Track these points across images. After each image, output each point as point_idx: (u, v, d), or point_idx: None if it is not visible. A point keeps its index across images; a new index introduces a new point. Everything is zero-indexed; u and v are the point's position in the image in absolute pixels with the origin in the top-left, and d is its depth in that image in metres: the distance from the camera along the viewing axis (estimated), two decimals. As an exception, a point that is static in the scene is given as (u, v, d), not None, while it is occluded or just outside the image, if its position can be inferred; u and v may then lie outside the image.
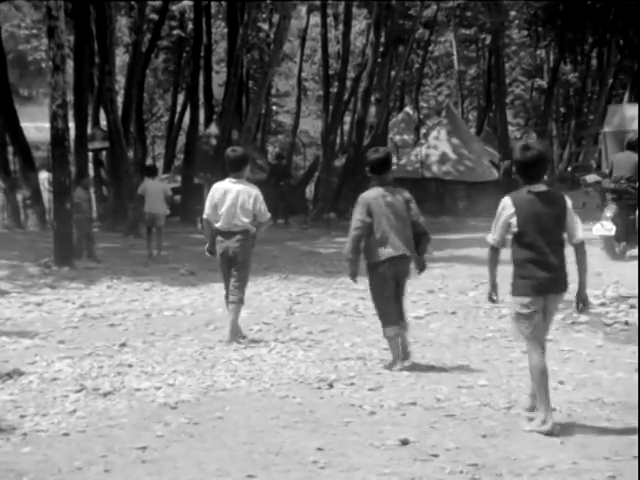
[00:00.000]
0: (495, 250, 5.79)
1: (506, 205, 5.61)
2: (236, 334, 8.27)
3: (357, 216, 7.12)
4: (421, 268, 7.34)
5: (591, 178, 23.95)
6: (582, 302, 5.83)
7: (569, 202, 5.70)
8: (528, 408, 5.82)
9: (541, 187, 5.61)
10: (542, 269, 5.60)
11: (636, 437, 5.32)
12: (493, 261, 5.84)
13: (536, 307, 5.60)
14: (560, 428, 5.41)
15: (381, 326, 7.26)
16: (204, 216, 8.45)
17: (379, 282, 7.13)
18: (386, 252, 7.05)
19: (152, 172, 16.84)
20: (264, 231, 8.90)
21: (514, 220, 5.57)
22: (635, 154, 13.92)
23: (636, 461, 4.89)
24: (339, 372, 7.01)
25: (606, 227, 13.82)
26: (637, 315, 8.95)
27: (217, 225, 8.32)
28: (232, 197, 8.23)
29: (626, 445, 5.17)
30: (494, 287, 5.89)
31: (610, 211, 13.91)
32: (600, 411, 5.89)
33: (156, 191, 15.67)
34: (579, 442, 5.23)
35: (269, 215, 8.51)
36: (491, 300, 5.92)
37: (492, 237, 5.75)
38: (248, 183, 8.45)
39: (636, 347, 7.95)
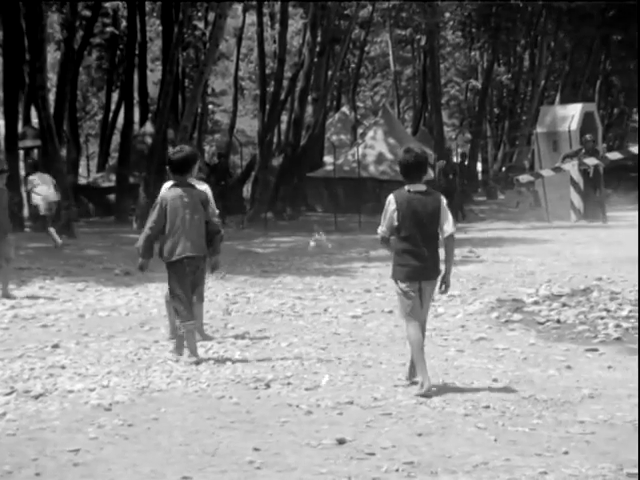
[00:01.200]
0: (385, 240, 6.58)
1: (390, 202, 6.45)
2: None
3: (153, 216, 7.46)
4: (214, 267, 7.77)
5: (524, 178, 24.37)
6: (445, 285, 6.55)
7: (444, 201, 6.49)
8: (407, 376, 6.64)
9: (420, 187, 6.43)
10: (416, 259, 6.42)
11: (567, 434, 5.42)
12: (387, 248, 6.68)
13: (412, 290, 6.45)
14: (436, 390, 6.30)
15: (179, 322, 7.48)
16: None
17: (176, 280, 7.46)
18: (179, 252, 7.39)
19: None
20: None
21: (395, 215, 6.40)
22: None
23: (566, 457, 4.98)
24: (276, 372, 6.99)
25: None
26: (637, 314, 9.05)
27: None
28: None
29: (557, 441, 5.26)
30: None
31: None
32: (532, 408, 5.98)
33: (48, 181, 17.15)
34: (512, 439, 5.30)
35: (217, 212, 8.49)
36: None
37: (381, 229, 6.56)
38: (198, 181, 8.40)
39: (568, 345, 8.11)
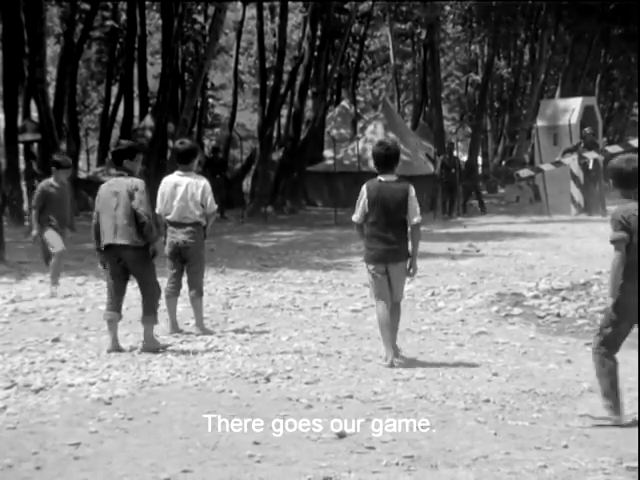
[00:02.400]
0: (359, 226, 7.20)
1: (363, 191, 7.05)
2: (177, 328, 8.45)
3: (95, 207, 7.82)
4: (153, 255, 7.80)
5: (525, 173, 24.33)
6: (413, 269, 7.10)
7: (412, 191, 6.99)
8: (385, 357, 7.05)
9: (391, 177, 7.01)
10: (382, 242, 7.00)
11: (566, 428, 5.43)
12: (360, 234, 7.28)
13: (378, 272, 7.02)
14: (403, 363, 6.95)
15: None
16: (156, 211, 8.37)
17: (108, 269, 7.85)
18: (104, 241, 7.68)
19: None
20: (212, 223, 8.84)
21: (366, 202, 7.00)
22: None
23: (566, 450, 4.99)
24: (276, 366, 7.00)
25: None
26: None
27: (168, 217, 8.41)
28: (182, 190, 8.29)
29: (557, 435, 5.26)
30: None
31: None
32: (532, 402, 5.99)
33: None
34: (512, 433, 5.31)
35: (216, 206, 8.54)
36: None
37: (355, 216, 7.15)
38: (196, 175, 8.46)
39: (568, 338, 8.12)
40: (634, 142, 21.92)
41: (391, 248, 6.98)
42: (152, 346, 7.59)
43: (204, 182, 8.37)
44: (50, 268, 10.96)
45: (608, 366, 5.55)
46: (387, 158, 7.01)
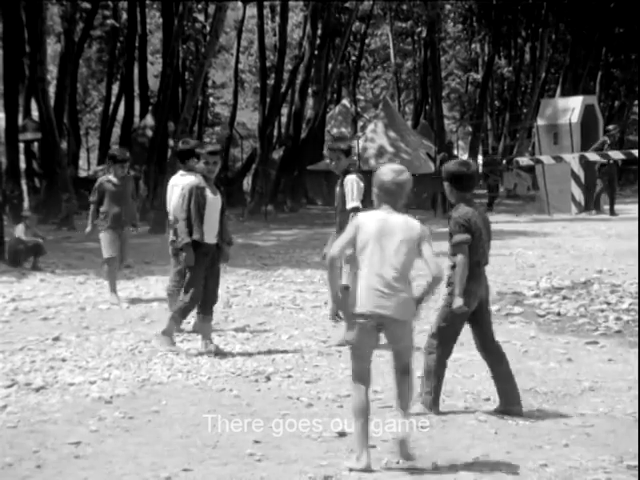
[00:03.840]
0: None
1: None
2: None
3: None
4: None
5: (524, 161, 24.35)
6: None
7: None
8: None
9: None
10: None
11: (567, 427, 5.43)
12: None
13: None
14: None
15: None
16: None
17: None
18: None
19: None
20: None
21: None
22: None
23: (567, 449, 4.99)
24: (276, 365, 6.99)
25: None
26: (637, 307, 9.04)
27: (170, 217, 8.55)
28: (178, 191, 8.26)
29: (558, 434, 5.26)
30: None
31: None
32: (533, 401, 5.99)
33: None
34: (512, 432, 5.31)
35: None
36: None
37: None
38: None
39: (568, 337, 8.11)
40: (634, 151, 21.85)
41: None
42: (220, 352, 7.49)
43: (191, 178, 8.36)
44: (104, 275, 10.52)
45: (438, 364, 5.69)
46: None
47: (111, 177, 10.34)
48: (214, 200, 7.55)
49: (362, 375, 4.76)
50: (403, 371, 4.81)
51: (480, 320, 5.73)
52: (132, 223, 10.51)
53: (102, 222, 10.21)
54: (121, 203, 10.23)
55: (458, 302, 5.46)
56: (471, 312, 5.60)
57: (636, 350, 7.31)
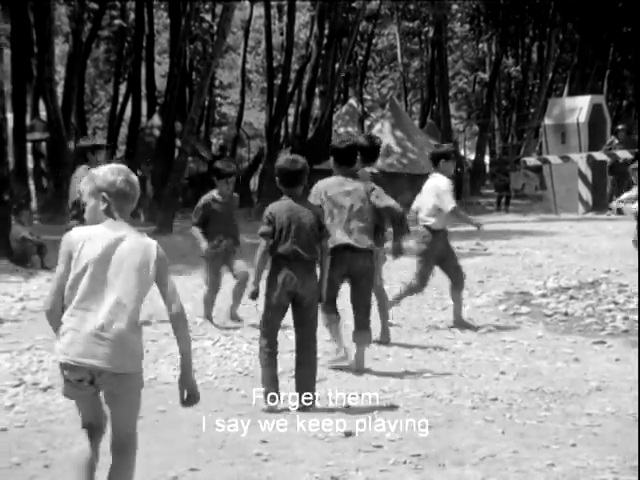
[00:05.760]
0: None
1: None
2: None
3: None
4: None
5: (531, 161, 24.31)
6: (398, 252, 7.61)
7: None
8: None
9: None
10: None
11: (574, 427, 5.42)
12: None
13: None
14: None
15: None
16: None
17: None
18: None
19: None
20: None
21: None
22: None
23: (574, 449, 4.98)
24: (283, 364, 6.98)
25: None
26: (637, 311, 9.02)
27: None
28: None
29: (565, 434, 5.25)
30: None
31: None
32: (540, 400, 5.98)
33: None
34: (519, 431, 5.30)
35: None
36: None
37: None
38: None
39: (576, 337, 8.10)
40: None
41: None
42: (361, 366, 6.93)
43: None
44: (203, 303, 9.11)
45: (269, 358, 6.05)
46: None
47: (216, 195, 8.85)
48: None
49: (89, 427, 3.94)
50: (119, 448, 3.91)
51: (301, 318, 6.19)
52: (236, 242, 9.06)
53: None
54: (228, 224, 8.90)
55: (250, 287, 6.24)
56: (289, 308, 6.13)
57: (635, 350, 7.29)
